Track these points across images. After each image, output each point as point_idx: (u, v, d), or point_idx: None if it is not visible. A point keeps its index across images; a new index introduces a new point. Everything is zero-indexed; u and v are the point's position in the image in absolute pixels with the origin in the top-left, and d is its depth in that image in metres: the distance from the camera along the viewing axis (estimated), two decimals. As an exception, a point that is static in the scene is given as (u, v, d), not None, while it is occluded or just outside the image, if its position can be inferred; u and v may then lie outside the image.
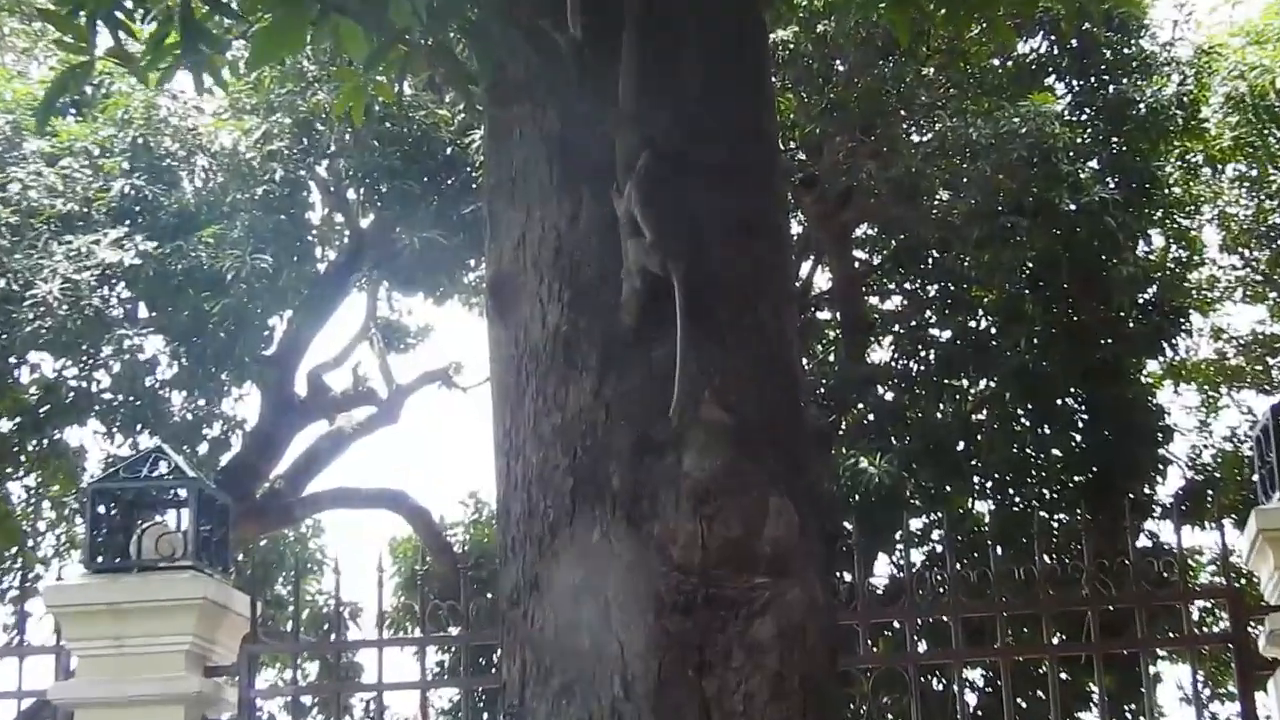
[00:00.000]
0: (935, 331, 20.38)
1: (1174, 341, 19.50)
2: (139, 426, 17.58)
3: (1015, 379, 18.49)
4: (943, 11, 6.28)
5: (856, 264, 21.29)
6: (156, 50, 5.04)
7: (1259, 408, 21.04)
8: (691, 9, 4.42)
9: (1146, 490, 18.86)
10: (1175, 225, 20.44)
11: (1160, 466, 19.10)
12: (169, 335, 17.76)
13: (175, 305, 17.22)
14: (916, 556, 17.97)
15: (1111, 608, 8.47)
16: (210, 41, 4.90)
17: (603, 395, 4.02)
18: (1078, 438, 18.81)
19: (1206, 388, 23.97)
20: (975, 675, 18.72)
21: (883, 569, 19.42)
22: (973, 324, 19.87)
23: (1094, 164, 18.53)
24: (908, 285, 21.26)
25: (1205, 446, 22.89)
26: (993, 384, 19.38)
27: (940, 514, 14.24)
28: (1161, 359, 20.41)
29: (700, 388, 3.94)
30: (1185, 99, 19.08)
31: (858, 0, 6.51)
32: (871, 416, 19.96)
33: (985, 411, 19.85)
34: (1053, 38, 19.11)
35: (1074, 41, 19.05)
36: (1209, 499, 19.33)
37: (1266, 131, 20.18)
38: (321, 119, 17.89)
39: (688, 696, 3.73)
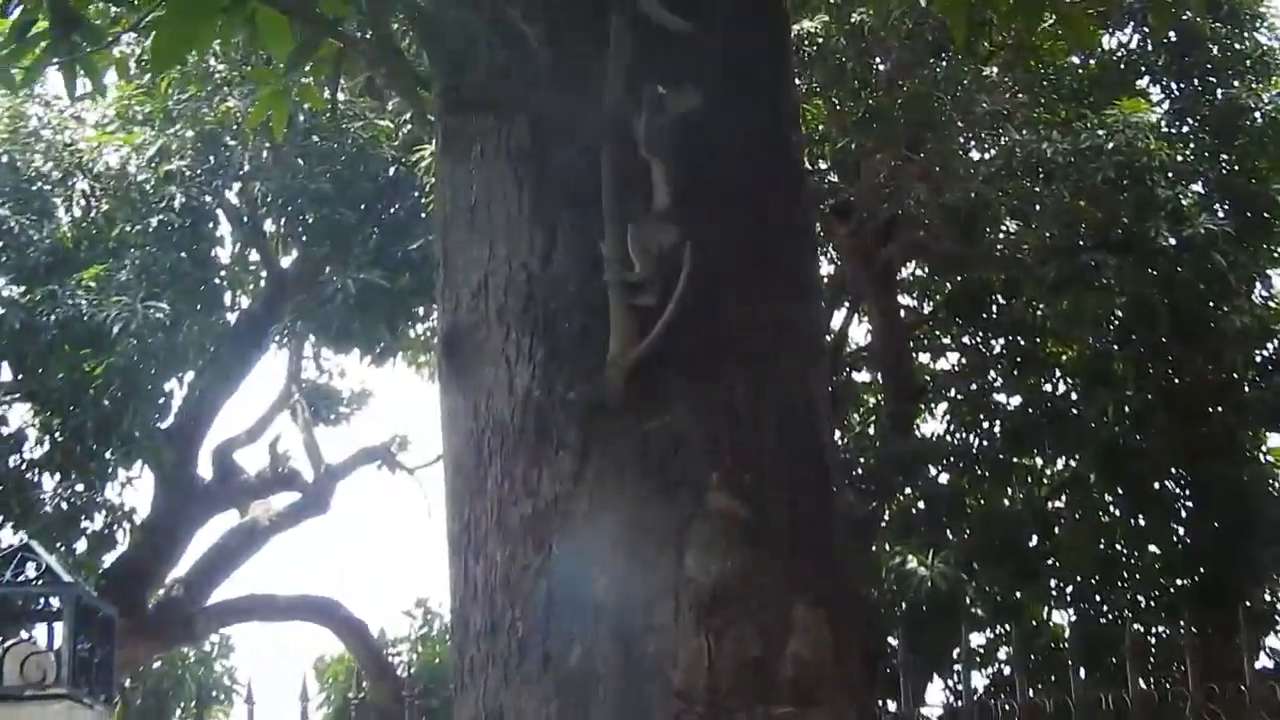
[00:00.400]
0: (1001, 398, 20.38)
1: (1301, 410, 19.49)
2: (0, 518, 17.49)
3: (1102, 457, 18.48)
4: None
5: (903, 312, 21.33)
6: (21, 43, 5.01)
7: None
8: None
9: (1267, 597, 18.79)
10: (1301, 264, 20.49)
11: (1284, 566, 19.06)
12: (39, 403, 17.72)
13: (47, 366, 17.18)
14: (978, 680, 17.87)
15: (1225, 746, 8.43)
16: (89, 34, 4.89)
17: (584, 479, 4.01)
18: (1180, 531, 18.77)
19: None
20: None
21: (936, 696, 19.33)
22: (1048, 388, 19.86)
23: (1198, 187, 18.55)
24: (966, 339, 21.29)
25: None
26: (1073, 463, 19.36)
27: (1009, 627, 14.18)
28: (1285, 431, 20.40)
29: (707, 469, 3.94)
30: (1312, 105, 19.13)
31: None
32: (922, 504, 19.93)
33: (1064, 498, 19.82)
34: (1146, 30, 19.08)
35: (1172, 35, 19.02)
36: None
37: None
38: (233, 131, 17.91)
39: None
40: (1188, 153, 18.64)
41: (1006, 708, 8.79)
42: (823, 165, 18.33)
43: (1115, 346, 19.00)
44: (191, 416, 19.85)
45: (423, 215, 17.74)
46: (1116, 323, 18.97)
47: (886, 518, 19.96)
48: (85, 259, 17.44)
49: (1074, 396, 19.53)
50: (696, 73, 4.32)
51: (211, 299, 18.91)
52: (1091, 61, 19.13)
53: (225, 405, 20.53)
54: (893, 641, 14.40)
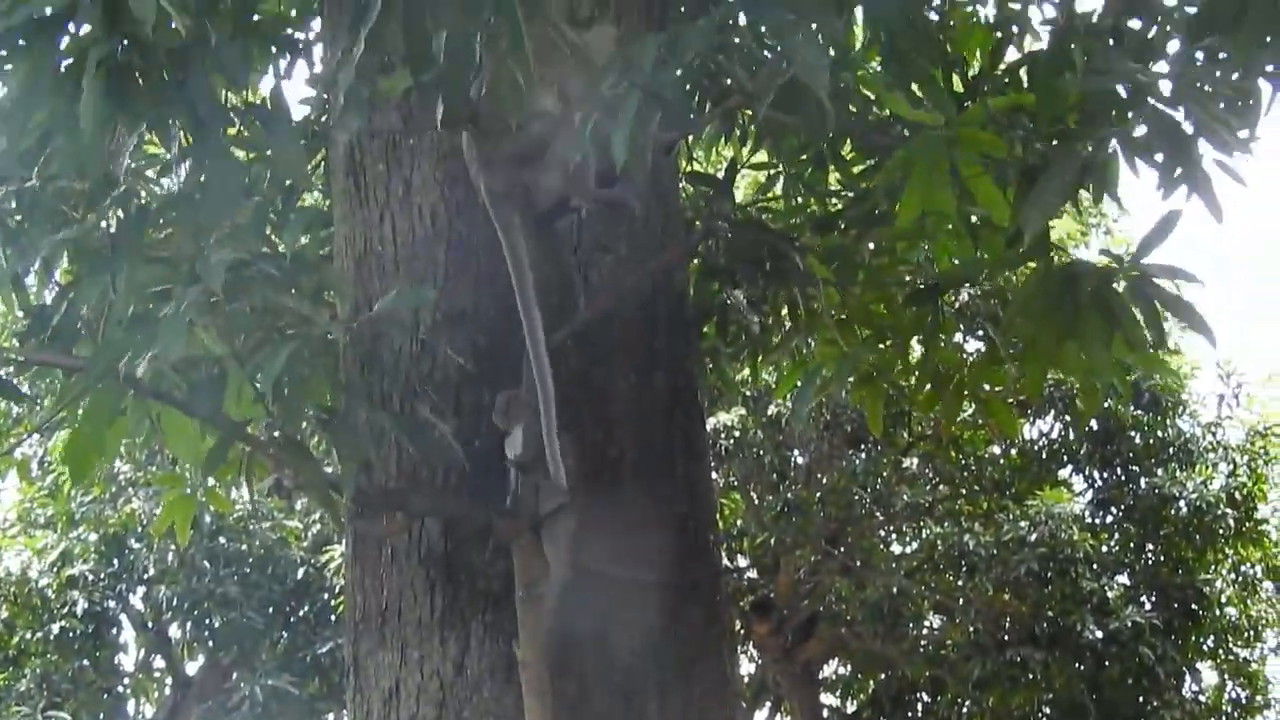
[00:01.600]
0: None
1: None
2: None
3: None
4: (926, 389, 6.43)
5: (826, 712, 21.12)
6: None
7: None
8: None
9: None
10: (1231, 657, 20.47)
11: None
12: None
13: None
14: None
15: None
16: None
17: None
18: None
19: None
20: None
21: None
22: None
23: (1124, 579, 18.65)
24: (895, 738, 21.05)
25: None
26: None
27: None
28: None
29: None
30: (1237, 494, 19.27)
31: (820, 376, 6.67)
32: None
33: None
34: (1068, 418, 19.26)
35: (1094, 424, 19.22)
36: None
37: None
38: (137, 534, 17.83)
39: None
40: (1112, 543, 18.79)
41: None
42: (741, 561, 18.34)
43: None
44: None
45: (332, 618, 17.60)
46: (1045, 720, 18.82)
47: None
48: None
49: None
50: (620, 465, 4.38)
51: (114, 709, 18.58)
52: (1013, 451, 19.35)
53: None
54: None
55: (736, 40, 3.77)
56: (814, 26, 3.76)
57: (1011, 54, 6.38)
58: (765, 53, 3.85)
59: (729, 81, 3.91)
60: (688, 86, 3.97)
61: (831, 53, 4.14)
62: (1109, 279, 4.72)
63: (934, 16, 6.10)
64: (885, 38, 5.26)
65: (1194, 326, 4.69)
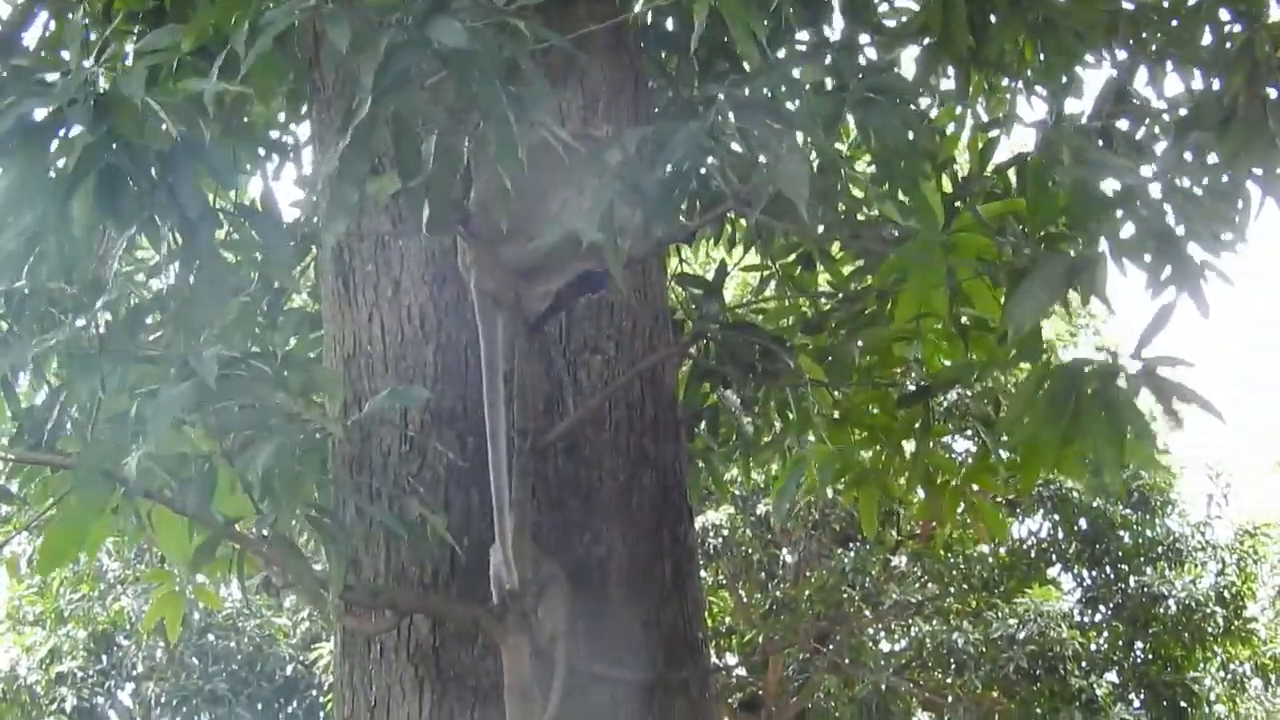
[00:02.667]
0: None
1: None
2: None
3: None
4: (919, 494, 6.41)
5: (817, 810, 20.98)
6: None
7: None
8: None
9: None
10: (1222, 754, 20.40)
11: None
12: None
13: None
14: None
15: None
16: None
17: None
18: None
19: None
20: None
21: None
22: None
23: (1113, 676, 18.59)
24: None
25: None
26: None
27: None
28: None
29: None
30: (1226, 593, 19.22)
31: (805, 474, 6.67)
32: None
33: None
34: (1056, 518, 19.33)
35: (1083, 523, 19.26)
36: None
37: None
38: (126, 631, 17.76)
39: None
40: (1101, 641, 18.74)
41: None
42: (730, 659, 18.25)
43: None
44: None
45: (322, 715, 17.53)
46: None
47: None
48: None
49: None
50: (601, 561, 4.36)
51: (103, 806, 18.49)
52: (1002, 550, 19.31)
53: None
54: None
55: (727, 144, 3.76)
56: (799, 136, 3.77)
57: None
58: (757, 157, 3.85)
59: (716, 185, 3.91)
60: (676, 191, 3.98)
61: (817, 158, 4.15)
62: (1113, 375, 4.69)
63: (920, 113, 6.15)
64: (874, 141, 5.28)
65: (1204, 409, 4.65)
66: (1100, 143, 5.16)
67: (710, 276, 6.03)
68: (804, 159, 3.69)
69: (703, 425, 6.89)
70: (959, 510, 6.99)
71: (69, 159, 3.58)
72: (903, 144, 4.63)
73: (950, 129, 6.52)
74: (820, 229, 5.55)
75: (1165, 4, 5.90)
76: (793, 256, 7.23)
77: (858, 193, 6.06)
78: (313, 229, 6.25)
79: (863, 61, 5.71)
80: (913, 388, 6.25)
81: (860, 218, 5.80)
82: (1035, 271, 4.46)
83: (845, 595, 17.67)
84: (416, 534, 4.40)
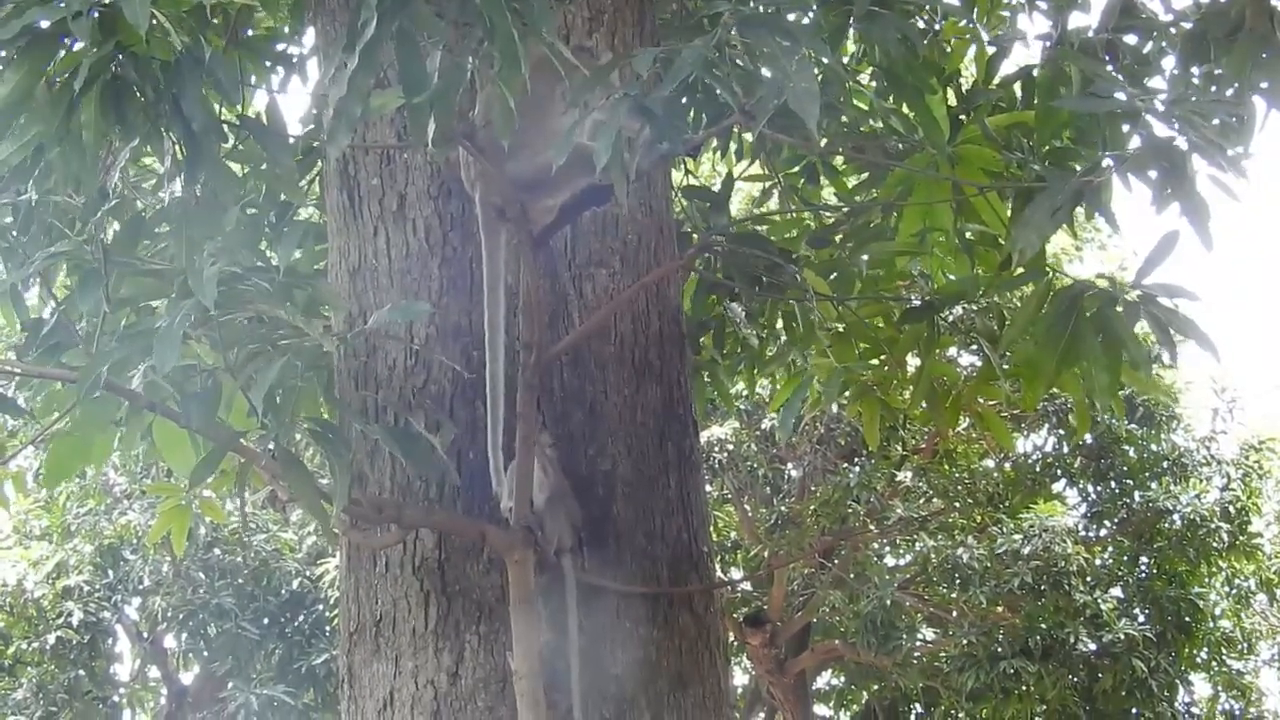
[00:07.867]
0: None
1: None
2: None
3: None
4: (922, 405, 6.42)
5: (820, 725, 21.12)
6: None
7: None
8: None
9: None
10: (1224, 669, 20.46)
11: None
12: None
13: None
14: None
15: None
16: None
17: None
18: None
19: None
20: None
21: None
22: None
23: (1117, 591, 18.62)
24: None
25: None
26: None
27: None
28: None
29: None
30: (1231, 508, 19.17)
31: (810, 388, 6.67)
32: None
33: None
34: (1061, 432, 19.32)
35: (1088, 438, 19.23)
36: None
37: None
38: (133, 546, 17.79)
39: None
40: (1106, 556, 18.77)
41: None
42: (735, 574, 18.31)
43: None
44: None
45: (327, 629, 17.58)
46: (1039, 732, 18.77)
47: None
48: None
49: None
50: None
51: (110, 718, 18.56)
52: (1007, 465, 19.35)
53: None
54: None
55: (732, 60, 3.75)
56: (807, 52, 3.76)
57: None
58: (761, 70, 3.84)
59: (721, 98, 3.89)
60: (683, 103, 3.97)
61: (819, 74, 4.14)
62: (1111, 301, 4.70)
63: (925, 27, 6.12)
64: (879, 55, 5.26)
65: (1199, 343, 4.66)
66: (1106, 57, 5.15)
67: (716, 188, 6.02)
68: (813, 75, 3.68)
69: (708, 338, 6.90)
70: (965, 423, 7.00)
71: (78, 70, 3.58)
72: (908, 57, 4.62)
73: (956, 45, 6.50)
74: (824, 142, 5.54)
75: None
76: (797, 169, 7.22)
77: (862, 105, 6.05)
78: (320, 142, 6.23)
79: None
80: (917, 302, 6.25)
81: (864, 130, 5.80)
82: (1041, 194, 4.45)
83: (850, 510, 17.70)
84: (420, 449, 4.41)
